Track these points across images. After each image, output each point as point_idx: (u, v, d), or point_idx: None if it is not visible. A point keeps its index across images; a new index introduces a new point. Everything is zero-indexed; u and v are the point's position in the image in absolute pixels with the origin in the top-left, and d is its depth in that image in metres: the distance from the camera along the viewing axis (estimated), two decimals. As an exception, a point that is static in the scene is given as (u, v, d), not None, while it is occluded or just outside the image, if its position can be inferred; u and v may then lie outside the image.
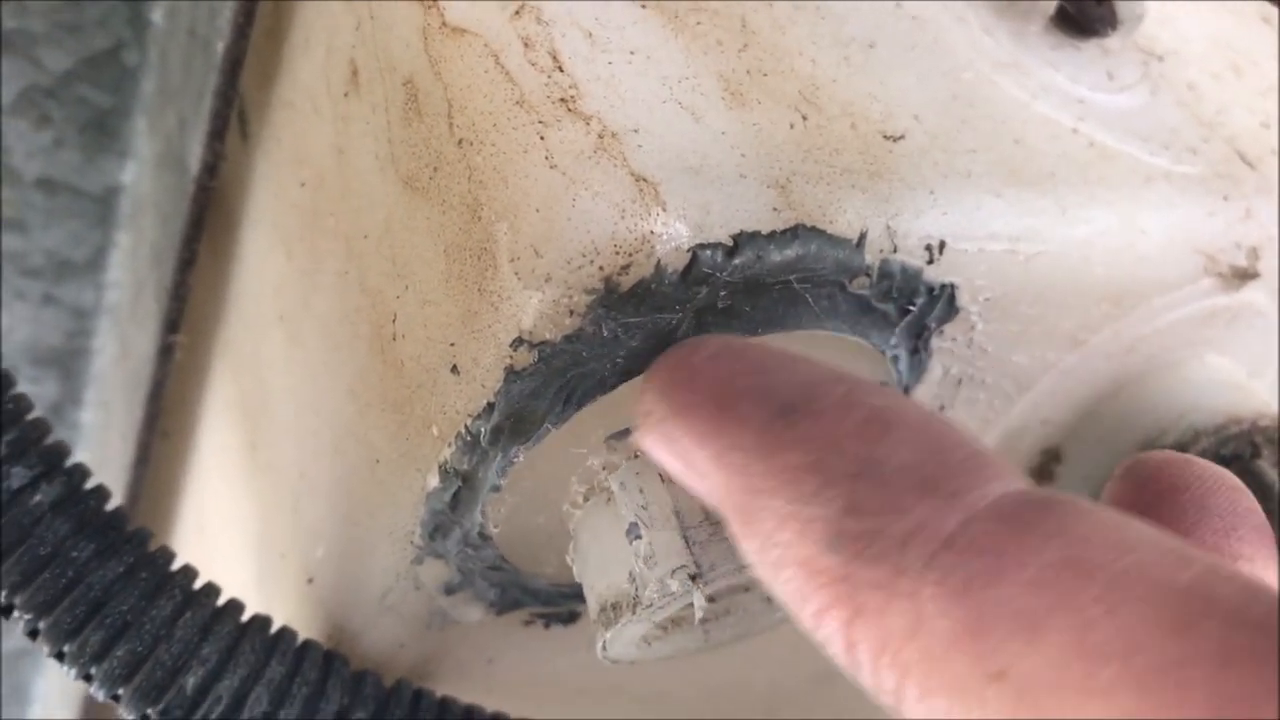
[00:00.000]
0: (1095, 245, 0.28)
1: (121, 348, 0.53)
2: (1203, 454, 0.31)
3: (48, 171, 0.48)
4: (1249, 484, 0.31)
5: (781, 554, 0.18)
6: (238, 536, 0.41)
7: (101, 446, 0.58)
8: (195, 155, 0.38)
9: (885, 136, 0.26)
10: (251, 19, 0.34)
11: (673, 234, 0.22)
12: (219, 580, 0.32)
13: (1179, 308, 0.31)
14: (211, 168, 0.37)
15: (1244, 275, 0.31)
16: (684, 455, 0.20)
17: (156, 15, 0.44)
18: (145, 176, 0.47)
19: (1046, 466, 0.34)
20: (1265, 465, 0.31)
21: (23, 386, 0.31)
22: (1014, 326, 0.29)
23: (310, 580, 0.34)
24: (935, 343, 0.28)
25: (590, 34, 0.25)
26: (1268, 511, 0.30)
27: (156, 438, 0.49)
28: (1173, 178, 0.30)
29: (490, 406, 0.24)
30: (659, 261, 0.22)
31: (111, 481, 0.52)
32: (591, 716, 0.39)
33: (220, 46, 0.34)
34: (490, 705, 0.32)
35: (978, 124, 0.28)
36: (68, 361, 0.57)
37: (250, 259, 0.39)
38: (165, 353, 0.44)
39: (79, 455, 0.32)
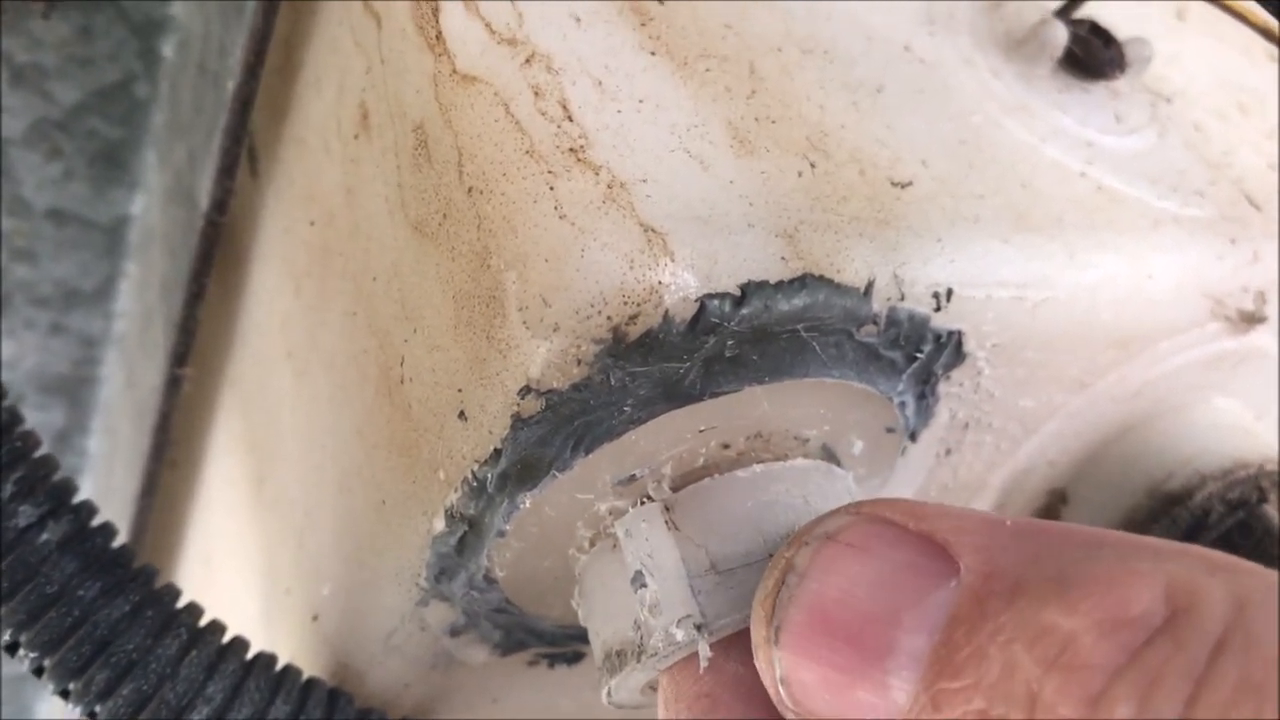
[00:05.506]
0: (1103, 290, 0.28)
1: (129, 377, 0.53)
2: (1209, 498, 0.31)
3: (58, 202, 0.49)
4: (1254, 529, 0.31)
5: None
6: (244, 570, 0.41)
7: (107, 475, 0.58)
8: (205, 190, 0.38)
9: (893, 183, 0.26)
10: (262, 58, 0.34)
11: (681, 284, 0.22)
12: (224, 614, 0.32)
13: (1186, 351, 0.31)
14: (221, 203, 0.38)
15: (1251, 319, 0.31)
16: None
17: (167, 50, 0.44)
18: (154, 209, 0.47)
19: (1053, 507, 0.34)
20: (1271, 510, 0.30)
21: (30, 413, 0.31)
22: (1021, 371, 0.29)
23: (315, 617, 0.34)
24: (942, 388, 0.28)
25: (600, 82, 0.25)
26: (1274, 557, 0.30)
27: (163, 468, 0.49)
28: (1181, 221, 0.30)
29: (497, 453, 0.24)
30: (667, 311, 0.22)
31: (117, 511, 0.53)
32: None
33: (231, 85, 0.34)
34: (495, 745, 0.32)
35: (985, 168, 0.28)
36: (75, 389, 0.57)
37: (259, 294, 0.39)
38: (173, 384, 0.44)
39: (85, 483, 0.32)
